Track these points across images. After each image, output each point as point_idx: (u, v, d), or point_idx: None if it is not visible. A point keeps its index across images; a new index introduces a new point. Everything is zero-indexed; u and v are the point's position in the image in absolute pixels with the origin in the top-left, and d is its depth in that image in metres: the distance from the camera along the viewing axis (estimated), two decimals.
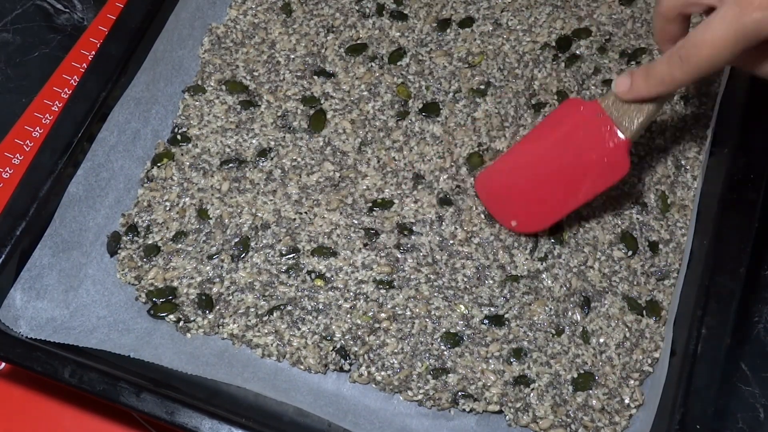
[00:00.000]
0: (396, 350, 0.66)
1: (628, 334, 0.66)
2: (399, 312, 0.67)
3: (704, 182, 0.69)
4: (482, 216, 0.70)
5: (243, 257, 0.69)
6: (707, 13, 0.54)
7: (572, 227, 0.69)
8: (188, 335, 0.67)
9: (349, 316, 0.67)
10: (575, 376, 0.65)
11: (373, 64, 0.77)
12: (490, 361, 0.65)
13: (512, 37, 0.78)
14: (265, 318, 0.67)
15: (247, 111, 0.75)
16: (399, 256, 0.69)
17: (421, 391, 0.65)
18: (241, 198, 0.71)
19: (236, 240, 0.70)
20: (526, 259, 0.68)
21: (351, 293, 0.67)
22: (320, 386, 0.65)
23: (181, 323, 0.67)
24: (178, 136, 0.74)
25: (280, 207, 0.71)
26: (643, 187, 0.71)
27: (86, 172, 0.68)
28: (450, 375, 0.65)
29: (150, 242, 0.70)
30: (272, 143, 0.74)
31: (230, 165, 0.73)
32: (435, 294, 0.67)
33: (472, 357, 0.65)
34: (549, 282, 0.68)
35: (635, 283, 0.68)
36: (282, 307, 0.67)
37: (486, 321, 0.67)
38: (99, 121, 0.69)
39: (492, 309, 0.67)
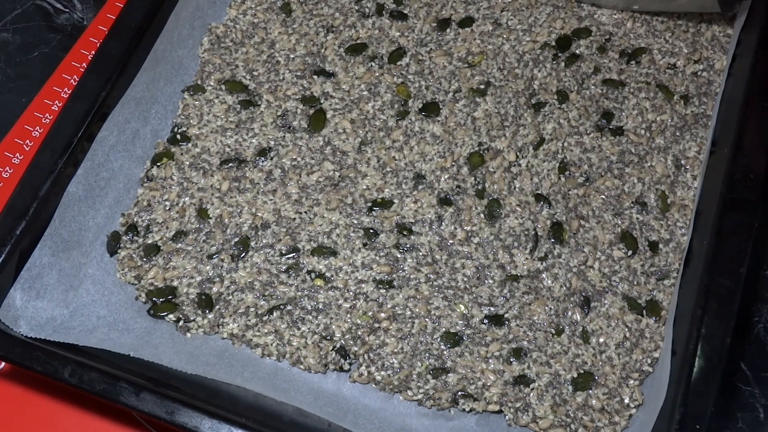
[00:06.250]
0: (396, 350, 0.66)
1: (628, 334, 0.66)
2: (399, 312, 0.67)
3: (704, 182, 0.69)
4: (482, 216, 0.70)
5: (243, 257, 0.69)
6: None
7: (572, 227, 0.69)
8: (188, 335, 0.67)
9: (349, 315, 0.67)
10: (575, 375, 0.65)
11: (373, 64, 0.77)
12: (490, 360, 0.65)
13: (512, 36, 0.78)
14: (265, 318, 0.67)
15: (246, 110, 0.75)
16: (399, 255, 0.69)
17: (421, 390, 0.65)
18: (241, 197, 0.71)
19: (236, 239, 0.70)
20: (526, 258, 0.68)
21: (351, 293, 0.67)
22: (320, 386, 0.65)
23: (181, 323, 0.67)
24: (178, 136, 0.74)
25: (280, 206, 0.71)
26: (643, 187, 0.71)
27: (86, 171, 0.68)
28: (450, 375, 0.65)
29: (150, 242, 0.70)
30: (272, 143, 0.74)
31: (230, 164, 0.73)
32: (435, 294, 0.67)
33: (472, 357, 0.65)
34: (549, 282, 0.68)
35: (635, 282, 0.68)
36: (282, 306, 0.67)
37: (486, 321, 0.67)
38: (99, 120, 0.69)
39: (492, 309, 0.67)
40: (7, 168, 0.81)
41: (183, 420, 0.59)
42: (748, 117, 0.67)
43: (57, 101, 0.84)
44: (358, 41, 0.78)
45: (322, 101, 0.75)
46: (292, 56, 0.77)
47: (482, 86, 0.75)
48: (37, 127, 0.83)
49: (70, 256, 0.67)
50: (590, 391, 0.64)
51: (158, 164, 0.73)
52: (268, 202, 0.71)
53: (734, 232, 0.63)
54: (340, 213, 0.70)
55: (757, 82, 0.68)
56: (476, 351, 0.66)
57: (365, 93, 0.75)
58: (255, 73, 0.77)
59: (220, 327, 0.67)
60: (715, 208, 0.65)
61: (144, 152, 0.73)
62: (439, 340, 0.66)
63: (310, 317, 0.67)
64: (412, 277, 0.68)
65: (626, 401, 0.64)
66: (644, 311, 0.67)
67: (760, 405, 0.71)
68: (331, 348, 0.66)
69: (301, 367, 0.66)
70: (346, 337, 0.66)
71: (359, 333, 0.66)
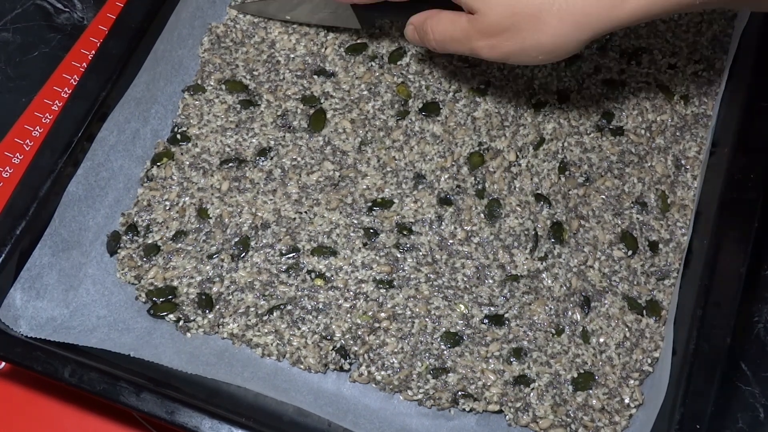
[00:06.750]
0: (396, 350, 0.66)
1: (628, 334, 0.66)
2: (399, 311, 0.67)
3: (704, 182, 0.69)
4: (482, 215, 0.70)
5: (243, 257, 0.69)
6: None
7: (572, 227, 0.69)
8: (188, 335, 0.67)
9: (349, 315, 0.67)
10: (575, 375, 0.65)
11: (373, 64, 0.77)
12: (490, 360, 0.65)
13: None
14: (265, 317, 0.67)
15: (247, 110, 0.75)
16: (399, 255, 0.69)
17: (421, 390, 0.65)
18: (241, 197, 0.71)
19: (236, 239, 0.70)
20: (526, 258, 0.68)
21: (351, 293, 0.67)
22: (320, 386, 0.65)
23: (181, 323, 0.67)
24: (178, 136, 0.74)
25: (280, 206, 0.71)
26: (643, 187, 0.71)
27: (86, 171, 0.68)
28: (450, 375, 0.65)
29: (150, 242, 0.70)
30: (272, 143, 0.74)
31: (230, 164, 0.73)
32: (435, 293, 0.67)
33: (472, 357, 0.65)
34: (549, 282, 0.68)
35: (635, 282, 0.68)
36: (282, 306, 0.67)
37: (486, 320, 0.67)
38: (99, 120, 0.69)
39: (492, 308, 0.67)
40: (7, 168, 0.81)
41: (183, 420, 0.59)
42: (748, 117, 0.67)
43: (57, 101, 0.84)
44: (359, 41, 0.78)
45: (322, 101, 0.75)
46: (292, 56, 0.77)
47: (482, 86, 0.75)
48: (37, 127, 0.83)
49: (70, 256, 0.67)
50: (590, 391, 0.64)
51: (158, 164, 0.73)
52: (268, 202, 0.71)
53: (734, 232, 0.63)
54: (340, 213, 0.70)
55: (757, 82, 0.68)
56: (476, 351, 0.66)
57: (365, 93, 0.75)
58: (255, 73, 0.77)
59: (220, 327, 0.67)
60: (715, 208, 0.65)
61: (144, 152, 0.73)
62: (439, 340, 0.66)
63: (310, 317, 0.67)
64: (412, 276, 0.68)
65: (626, 401, 0.64)
66: (644, 311, 0.67)
67: (760, 405, 0.71)
68: (331, 348, 0.66)
69: (301, 367, 0.66)
70: (346, 336, 0.66)
71: (359, 333, 0.66)
